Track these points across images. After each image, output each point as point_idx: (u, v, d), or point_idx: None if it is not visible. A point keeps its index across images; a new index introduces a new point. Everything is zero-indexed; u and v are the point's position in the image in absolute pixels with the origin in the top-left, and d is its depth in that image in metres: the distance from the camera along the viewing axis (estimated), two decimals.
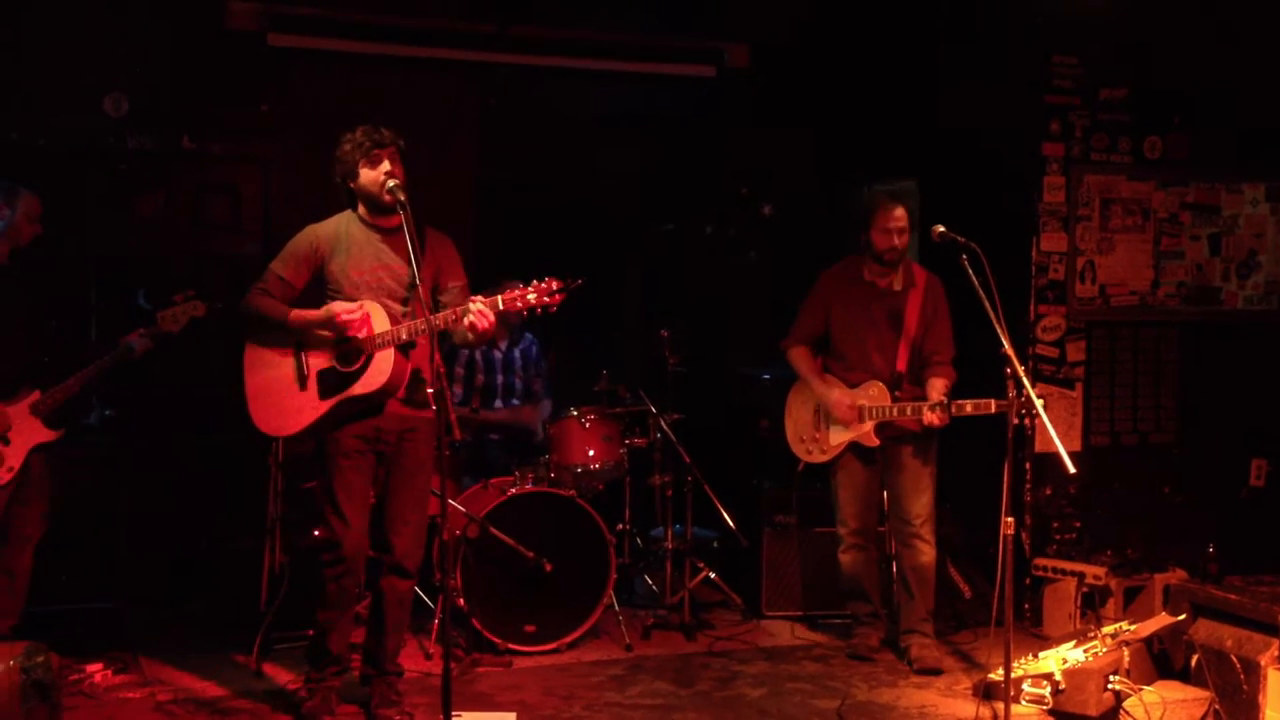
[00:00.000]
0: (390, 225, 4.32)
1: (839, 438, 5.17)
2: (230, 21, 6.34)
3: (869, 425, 5.08)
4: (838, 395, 5.14)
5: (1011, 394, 4.52)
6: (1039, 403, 4.45)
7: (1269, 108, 6.19)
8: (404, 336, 4.20)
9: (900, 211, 5.10)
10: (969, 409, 4.77)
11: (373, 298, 4.29)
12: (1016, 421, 4.40)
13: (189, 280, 4.84)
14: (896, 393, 5.10)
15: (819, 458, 5.24)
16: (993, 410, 4.67)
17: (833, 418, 5.16)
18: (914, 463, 5.14)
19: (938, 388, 5.04)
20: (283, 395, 4.36)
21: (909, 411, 4.98)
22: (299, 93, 6.54)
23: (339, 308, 4.23)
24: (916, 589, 5.18)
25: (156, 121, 6.38)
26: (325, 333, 4.28)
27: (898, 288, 5.19)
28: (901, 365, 5.15)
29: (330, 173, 4.36)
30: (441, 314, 4.12)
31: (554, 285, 3.97)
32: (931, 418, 4.89)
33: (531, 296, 3.96)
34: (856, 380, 5.15)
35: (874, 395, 5.10)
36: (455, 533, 5.17)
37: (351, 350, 4.26)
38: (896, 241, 5.09)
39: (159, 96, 6.33)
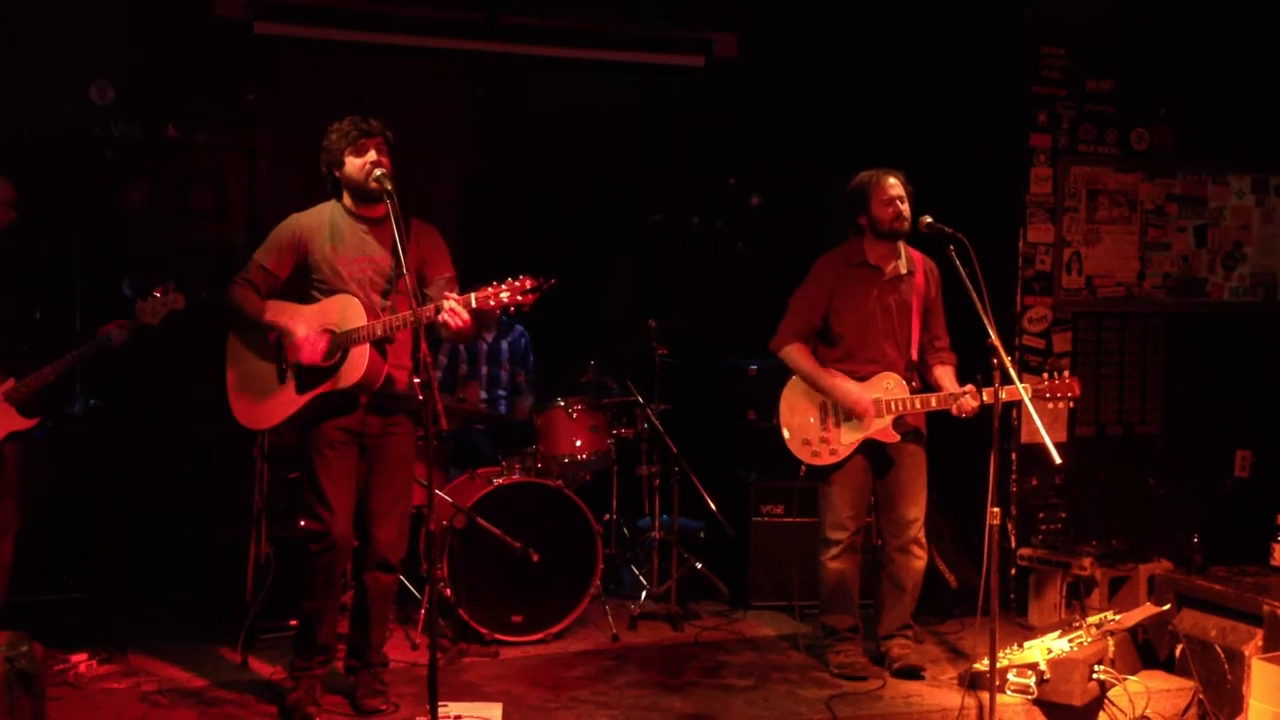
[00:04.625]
0: (375, 215, 4.31)
1: (853, 435, 4.85)
2: (217, 9, 6.31)
3: (888, 420, 4.82)
4: (853, 389, 4.82)
5: (1046, 379, 4.62)
6: (1026, 392, 4.47)
7: (1255, 100, 6.21)
8: (379, 332, 4.19)
9: (893, 179, 4.86)
10: (1004, 396, 4.42)
11: (355, 288, 4.29)
12: (1052, 407, 4.39)
13: (174, 269, 4.82)
14: (912, 384, 4.89)
15: (828, 459, 4.89)
16: (1021, 396, 4.46)
17: (844, 414, 4.85)
18: (913, 462, 4.93)
19: (949, 375, 4.89)
20: (263, 388, 4.36)
21: (934, 403, 4.77)
22: (286, 81, 6.52)
23: (300, 336, 4.24)
24: (909, 596, 4.97)
25: (142, 110, 6.34)
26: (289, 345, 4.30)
27: (903, 271, 4.93)
28: (915, 354, 4.94)
29: (317, 164, 4.35)
30: (416, 310, 4.10)
31: (527, 284, 3.97)
32: (973, 404, 4.65)
33: (505, 295, 3.97)
34: (867, 373, 4.86)
35: (891, 387, 4.82)
36: (442, 523, 5.16)
37: (329, 345, 4.26)
38: (901, 208, 4.81)
39: (145, 85, 6.31)
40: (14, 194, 4.80)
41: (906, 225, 4.85)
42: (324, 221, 4.34)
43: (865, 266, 4.95)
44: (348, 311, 4.25)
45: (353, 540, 4.43)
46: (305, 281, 4.36)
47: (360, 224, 4.34)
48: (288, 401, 4.31)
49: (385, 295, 4.33)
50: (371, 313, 4.25)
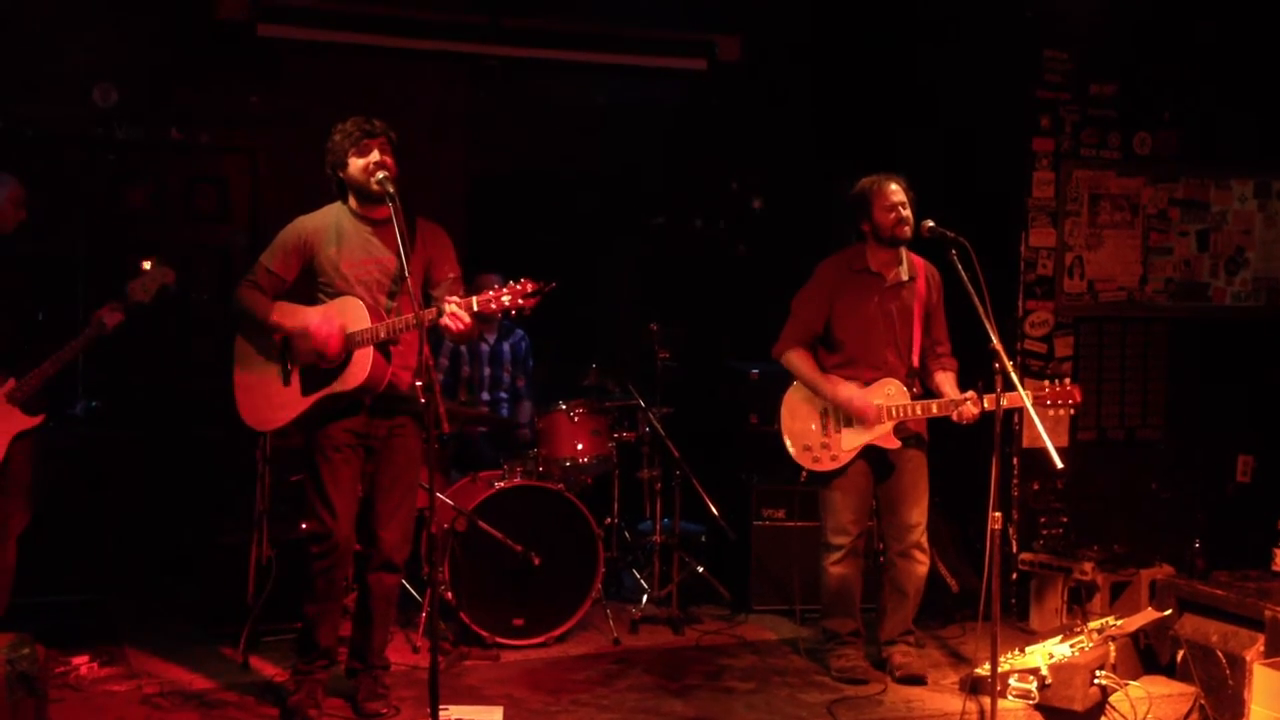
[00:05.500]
0: (380, 217, 4.31)
1: (854, 441, 4.84)
2: (220, 11, 6.32)
3: (889, 425, 4.80)
4: (854, 394, 4.80)
5: (1047, 386, 4.64)
6: (1027, 398, 4.47)
7: (1258, 104, 6.20)
8: (383, 335, 4.20)
9: (895, 185, 4.85)
10: (1005, 402, 4.39)
11: (362, 291, 4.30)
12: (1053, 414, 4.43)
13: (177, 271, 4.80)
14: (913, 390, 4.89)
15: (829, 465, 4.88)
16: (1023, 402, 4.44)
17: (845, 419, 4.85)
18: (915, 467, 4.93)
19: (949, 381, 4.89)
20: (268, 390, 4.38)
21: (935, 409, 4.76)
22: (288, 84, 6.53)
23: (315, 325, 4.22)
24: (911, 601, 4.97)
25: (145, 112, 6.35)
26: (302, 343, 4.29)
27: (905, 278, 4.92)
28: (916, 361, 4.94)
29: (322, 165, 4.36)
30: (417, 313, 4.11)
31: (529, 287, 3.99)
32: (974, 411, 4.65)
33: (506, 298, 3.98)
34: (869, 379, 4.85)
35: (892, 394, 4.81)
36: (443, 526, 5.16)
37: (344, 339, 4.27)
38: (903, 213, 4.80)
39: (148, 87, 6.31)
40: (24, 193, 4.81)
41: (909, 231, 4.84)
42: (329, 224, 4.35)
43: (867, 273, 4.95)
44: (352, 314, 4.25)
45: (355, 544, 4.44)
46: (311, 284, 4.37)
47: (365, 225, 4.35)
48: (293, 403, 4.32)
49: (391, 297, 4.33)
50: (376, 314, 4.26)
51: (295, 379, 4.33)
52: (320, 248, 4.32)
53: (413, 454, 4.47)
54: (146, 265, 4.70)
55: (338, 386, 4.26)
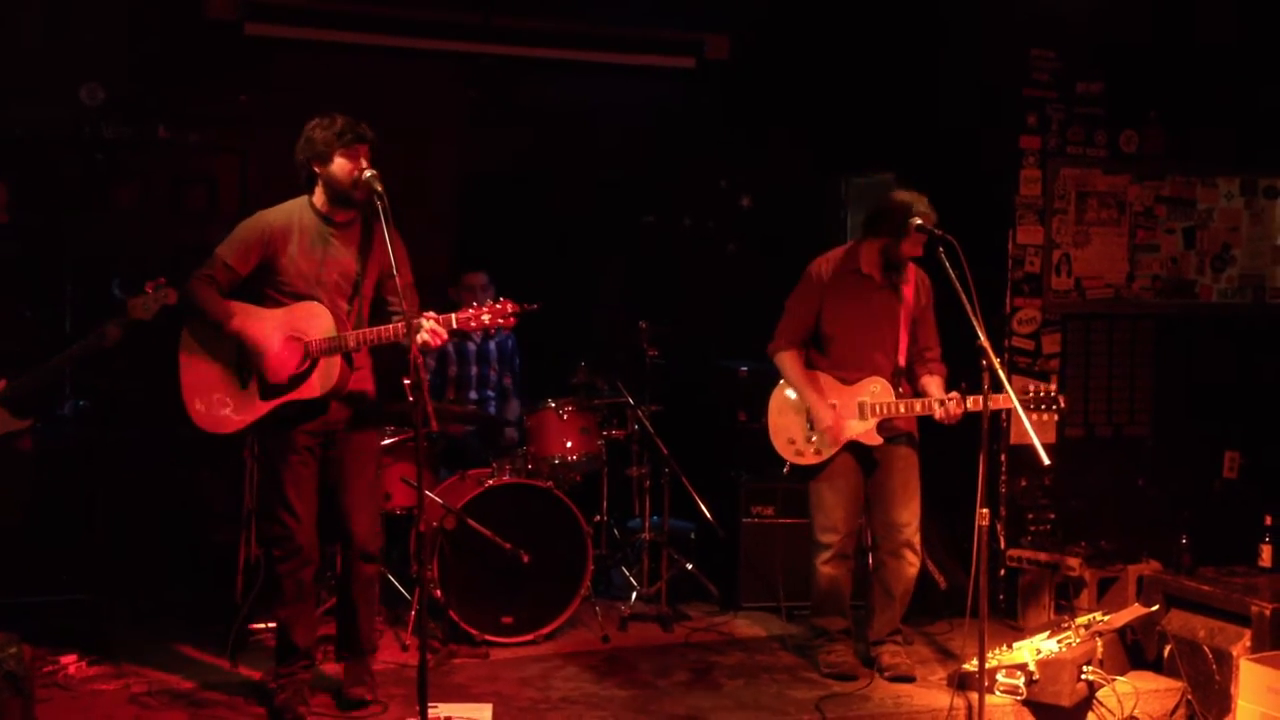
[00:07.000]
0: (344, 219, 4.29)
1: None
2: (208, 10, 6.31)
3: (872, 423, 4.85)
4: (827, 416, 4.85)
5: (1033, 388, 4.69)
6: (1013, 396, 4.49)
7: (1244, 102, 6.23)
8: (351, 345, 4.19)
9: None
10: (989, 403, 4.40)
11: (320, 293, 4.25)
12: (1035, 418, 4.46)
13: (165, 271, 4.80)
14: (898, 389, 4.92)
15: (811, 459, 4.93)
16: (1007, 404, 4.49)
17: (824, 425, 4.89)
18: (905, 465, 4.95)
19: (936, 385, 4.90)
20: (223, 392, 4.29)
21: (918, 407, 4.80)
22: (277, 83, 6.51)
23: (272, 354, 4.17)
24: (899, 602, 4.99)
25: (133, 111, 6.34)
26: (255, 359, 4.22)
27: (894, 280, 4.98)
28: (903, 361, 4.97)
29: (294, 149, 4.28)
30: (392, 326, 4.11)
31: (509, 308, 4.01)
32: (955, 410, 4.69)
33: (486, 317, 4.01)
34: (855, 378, 4.90)
35: (876, 392, 4.86)
36: (432, 524, 5.16)
37: (299, 360, 4.23)
38: (920, 251, 4.82)
39: (136, 86, 6.30)
40: (6, 196, 4.79)
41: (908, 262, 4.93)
42: (292, 222, 4.27)
43: (857, 273, 4.97)
44: (318, 320, 4.21)
45: (317, 547, 4.38)
46: (265, 282, 4.28)
47: (328, 226, 4.29)
48: (250, 407, 4.26)
49: (350, 301, 4.31)
50: (338, 320, 4.23)
51: (254, 383, 4.25)
52: (283, 247, 4.24)
53: (374, 447, 4.50)
54: (149, 288, 4.69)
55: (302, 394, 4.22)
